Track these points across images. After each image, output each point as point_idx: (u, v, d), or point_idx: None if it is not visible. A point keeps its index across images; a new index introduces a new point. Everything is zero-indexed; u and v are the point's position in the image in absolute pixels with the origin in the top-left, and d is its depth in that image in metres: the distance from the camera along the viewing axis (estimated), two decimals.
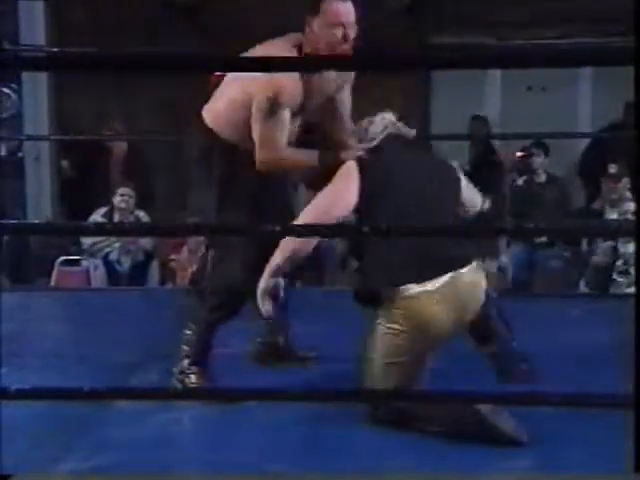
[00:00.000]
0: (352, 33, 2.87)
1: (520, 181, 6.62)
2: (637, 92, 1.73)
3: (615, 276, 5.34)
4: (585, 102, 7.67)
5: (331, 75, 3.05)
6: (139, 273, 6.46)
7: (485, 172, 6.59)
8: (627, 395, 1.76)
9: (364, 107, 3.29)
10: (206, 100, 3.30)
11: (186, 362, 3.04)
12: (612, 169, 6.08)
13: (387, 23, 7.34)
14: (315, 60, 1.82)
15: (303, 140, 3.17)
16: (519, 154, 6.70)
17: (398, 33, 7.53)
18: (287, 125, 2.95)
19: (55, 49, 6.30)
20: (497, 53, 1.78)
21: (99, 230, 3.86)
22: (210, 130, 3.14)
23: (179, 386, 2.70)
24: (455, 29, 7.11)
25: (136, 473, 2.39)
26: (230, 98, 3.10)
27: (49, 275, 6.48)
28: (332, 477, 2.36)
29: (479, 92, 7.73)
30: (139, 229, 3.88)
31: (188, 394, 1.96)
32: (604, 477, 2.31)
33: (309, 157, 3.03)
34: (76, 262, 6.56)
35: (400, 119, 3.09)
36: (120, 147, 7.52)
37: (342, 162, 2.92)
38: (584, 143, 7.28)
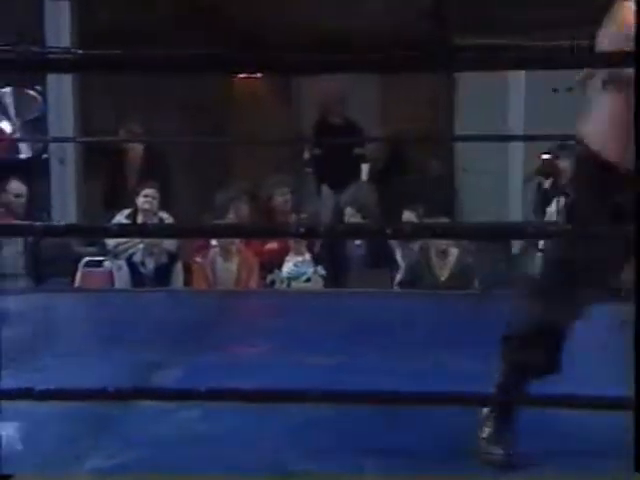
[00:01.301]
0: None
1: (546, 184, 6.59)
2: (637, 93, 1.71)
3: None
4: None
5: None
6: (163, 274, 6.47)
7: None
8: (627, 396, 1.76)
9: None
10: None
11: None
12: None
13: (413, 24, 7.36)
14: (339, 61, 1.81)
15: None
16: (545, 157, 6.66)
17: (423, 34, 7.53)
18: None
19: (80, 51, 6.33)
20: (504, 55, 1.76)
21: (123, 232, 3.88)
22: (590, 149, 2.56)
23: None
24: (480, 30, 7.10)
25: (157, 471, 2.40)
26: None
27: (73, 276, 6.51)
28: (333, 477, 2.36)
29: (503, 93, 7.71)
30: (163, 230, 3.89)
31: (213, 395, 1.97)
32: (604, 477, 2.31)
33: None
34: (100, 263, 6.59)
35: None
36: (136, 149, 7.55)
37: None
38: None
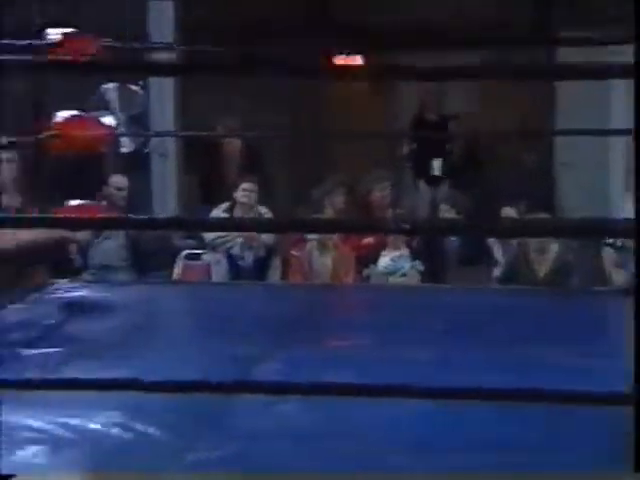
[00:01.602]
0: None
1: None
2: (637, 103, 1.70)
3: None
4: None
5: None
6: (260, 268, 6.53)
7: None
8: (627, 393, 1.73)
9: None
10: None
11: None
12: None
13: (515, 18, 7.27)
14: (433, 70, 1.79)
15: None
16: None
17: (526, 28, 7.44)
18: None
19: (183, 47, 6.41)
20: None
21: (223, 226, 3.91)
22: None
23: None
24: (587, 23, 6.98)
25: (256, 465, 2.42)
26: None
27: (172, 268, 6.62)
28: (333, 477, 2.35)
29: (605, 85, 7.56)
30: (261, 225, 3.92)
31: (315, 389, 1.98)
32: (604, 477, 2.26)
33: None
34: (199, 256, 6.68)
35: None
36: (234, 143, 7.62)
37: None
38: None
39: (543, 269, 5.61)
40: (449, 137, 8.15)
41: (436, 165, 7.85)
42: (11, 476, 2.22)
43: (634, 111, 1.73)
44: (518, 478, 2.32)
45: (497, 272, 5.99)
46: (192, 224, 3.19)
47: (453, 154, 8.07)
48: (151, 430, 2.58)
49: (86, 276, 6.15)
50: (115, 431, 2.57)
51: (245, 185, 6.65)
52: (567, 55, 6.35)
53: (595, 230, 2.19)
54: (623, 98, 7.68)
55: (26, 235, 4.06)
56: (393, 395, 2.11)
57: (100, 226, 3.93)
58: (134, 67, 2.06)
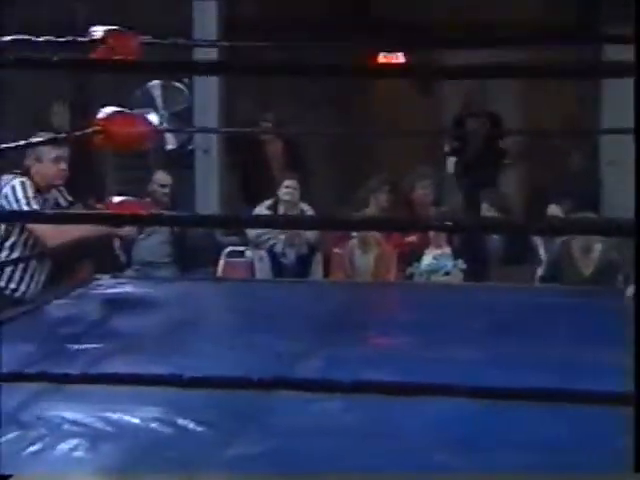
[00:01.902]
0: None
1: None
2: (637, 103, 1.69)
3: None
4: None
5: None
6: (303, 265, 6.53)
7: None
8: (627, 393, 1.71)
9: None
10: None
11: None
12: None
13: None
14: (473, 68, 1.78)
15: None
16: None
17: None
18: None
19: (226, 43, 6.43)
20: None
21: (266, 223, 3.91)
22: None
23: None
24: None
25: (297, 462, 2.42)
26: None
27: (216, 265, 6.64)
28: (335, 477, 2.33)
29: None
30: (305, 222, 3.92)
31: (357, 387, 1.97)
32: (604, 477, 2.22)
33: None
34: (242, 253, 6.70)
35: None
36: (277, 141, 7.63)
37: None
38: None
39: (588, 268, 5.56)
40: (493, 136, 8.09)
41: (479, 163, 7.81)
42: (10, 476, 2.24)
43: (634, 111, 1.70)
44: (518, 478, 2.31)
45: (541, 271, 5.94)
46: (236, 221, 3.20)
47: (500, 152, 8.01)
48: (191, 426, 2.59)
49: (130, 272, 6.19)
50: (155, 426, 2.58)
51: (288, 182, 6.65)
52: (615, 52, 6.28)
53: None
54: None
55: (72, 231, 4.09)
56: (434, 394, 2.09)
57: (143, 222, 3.95)
58: (170, 66, 2.06)
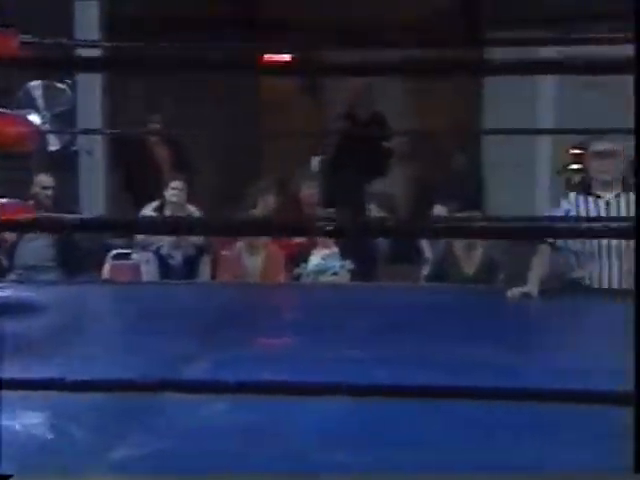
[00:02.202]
0: None
1: (576, 179, 6.53)
2: (637, 103, 1.70)
3: None
4: None
5: None
6: (190, 267, 6.50)
7: None
8: (627, 392, 1.73)
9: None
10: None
11: None
12: None
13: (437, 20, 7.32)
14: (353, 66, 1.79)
15: None
16: (575, 151, 6.60)
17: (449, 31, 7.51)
18: None
19: (109, 44, 6.35)
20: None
21: (153, 226, 3.86)
22: None
23: None
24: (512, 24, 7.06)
25: (182, 464, 2.40)
26: None
27: (101, 268, 6.54)
28: (335, 478, 2.35)
29: (532, 86, 7.66)
30: (193, 227, 3.88)
31: (242, 388, 1.96)
32: (604, 477, 2.28)
33: None
34: (128, 255, 6.62)
35: None
36: (163, 142, 7.58)
37: None
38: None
39: (470, 267, 5.66)
40: (380, 136, 8.17)
41: (366, 164, 7.87)
42: (9, 476, 2.19)
43: (634, 111, 1.72)
44: (518, 478, 2.33)
45: (426, 270, 6.03)
46: (121, 224, 3.14)
47: (384, 153, 8.09)
48: (75, 430, 2.55)
49: (12, 276, 6.05)
50: (38, 431, 2.54)
51: (174, 184, 6.60)
52: (494, 57, 6.41)
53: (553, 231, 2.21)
54: (549, 97, 7.79)
55: None
56: (322, 394, 2.10)
57: (25, 227, 3.86)
58: (54, 62, 2.02)
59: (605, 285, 4.82)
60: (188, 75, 6.98)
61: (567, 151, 6.79)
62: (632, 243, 4.61)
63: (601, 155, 4.97)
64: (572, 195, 4.99)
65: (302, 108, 8.77)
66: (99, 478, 2.35)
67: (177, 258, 6.49)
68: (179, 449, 2.48)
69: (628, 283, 4.78)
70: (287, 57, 7.72)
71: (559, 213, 4.94)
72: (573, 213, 4.82)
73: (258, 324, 4.33)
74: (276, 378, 2.29)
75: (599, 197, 4.88)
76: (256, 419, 2.63)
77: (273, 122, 8.61)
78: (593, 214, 4.79)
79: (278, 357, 3.53)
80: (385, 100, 8.20)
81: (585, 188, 5.05)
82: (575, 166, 6.50)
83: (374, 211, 6.47)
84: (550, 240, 4.69)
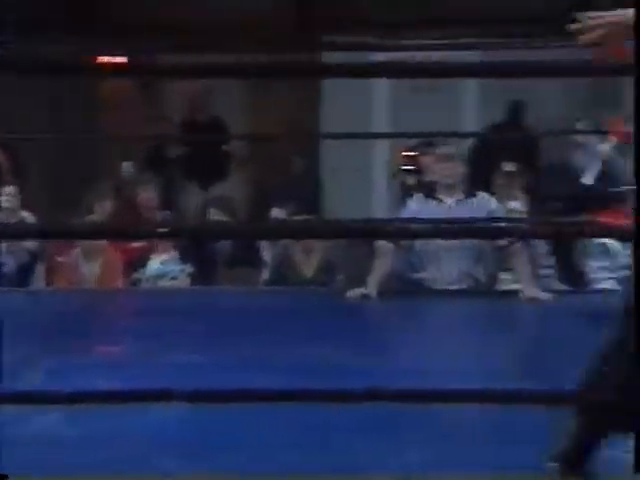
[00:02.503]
0: None
1: (410, 181, 6.62)
2: (637, 103, 1.71)
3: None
4: (472, 102, 7.81)
5: None
6: (24, 274, 6.31)
7: None
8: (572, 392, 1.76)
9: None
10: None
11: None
12: (507, 167, 6.17)
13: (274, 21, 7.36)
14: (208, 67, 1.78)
15: None
16: (407, 154, 6.71)
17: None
18: None
19: None
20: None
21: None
22: None
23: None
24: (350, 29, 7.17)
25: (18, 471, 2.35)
26: None
27: None
28: (332, 477, 2.35)
29: (369, 91, 7.79)
30: (29, 232, 3.79)
31: (75, 398, 1.92)
32: (604, 477, 2.32)
33: None
34: None
35: None
36: None
37: None
38: (469, 143, 7.36)
39: (309, 269, 5.71)
40: (218, 139, 8.14)
41: (207, 167, 7.84)
42: (6, 476, 2.08)
43: (634, 111, 1.72)
44: (518, 478, 2.33)
45: (265, 273, 6.05)
46: None
47: (224, 156, 8.07)
48: None
49: None
50: None
51: (7, 189, 6.42)
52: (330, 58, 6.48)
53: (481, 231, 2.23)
54: (384, 103, 7.94)
55: None
56: (158, 400, 2.08)
57: None
58: None
59: (445, 286, 4.95)
60: (20, 77, 6.80)
61: (400, 153, 6.89)
62: (468, 244, 4.74)
63: (445, 158, 5.12)
64: (419, 196, 5.11)
65: (140, 111, 8.66)
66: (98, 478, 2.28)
67: (10, 265, 6.31)
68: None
69: (466, 283, 4.94)
70: (122, 59, 7.62)
71: (407, 214, 5.03)
72: (424, 214, 4.91)
73: (94, 331, 4.26)
74: (112, 386, 2.25)
75: (441, 201, 5.02)
76: (92, 426, 2.59)
77: (111, 125, 8.48)
78: (439, 215, 4.88)
79: (114, 364, 3.48)
80: (223, 103, 8.18)
81: (428, 191, 5.17)
82: (407, 168, 6.60)
83: (213, 214, 6.44)
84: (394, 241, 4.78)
